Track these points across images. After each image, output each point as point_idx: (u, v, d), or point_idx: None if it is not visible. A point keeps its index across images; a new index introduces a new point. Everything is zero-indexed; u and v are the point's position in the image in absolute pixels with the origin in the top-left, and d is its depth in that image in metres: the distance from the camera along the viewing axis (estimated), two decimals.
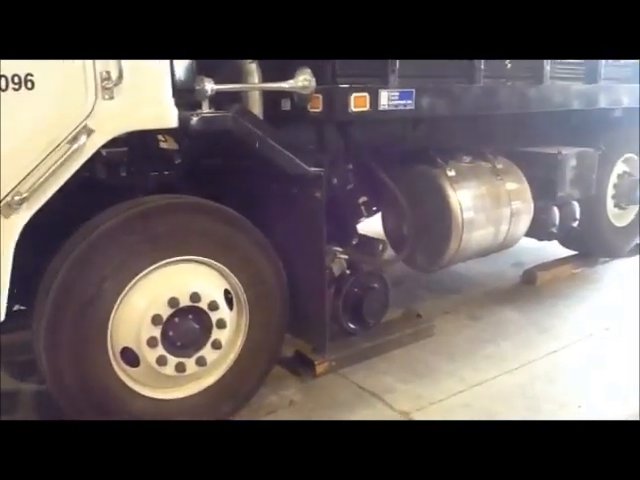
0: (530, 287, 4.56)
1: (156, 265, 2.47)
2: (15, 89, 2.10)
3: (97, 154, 2.38)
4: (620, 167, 4.81)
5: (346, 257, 3.39)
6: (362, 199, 3.64)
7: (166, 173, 2.84)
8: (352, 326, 3.50)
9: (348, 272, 3.41)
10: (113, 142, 2.40)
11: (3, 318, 2.21)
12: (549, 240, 4.52)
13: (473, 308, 4.16)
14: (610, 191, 4.78)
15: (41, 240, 2.39)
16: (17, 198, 2.13)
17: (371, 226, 4.10)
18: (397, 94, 3.08)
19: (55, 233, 2.45)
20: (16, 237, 2.18)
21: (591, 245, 4.85)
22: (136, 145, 2.66)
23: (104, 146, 2.36)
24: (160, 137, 2.85)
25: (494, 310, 4.13)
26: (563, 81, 3.98)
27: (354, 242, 3.56)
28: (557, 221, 4.27)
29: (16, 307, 2.60)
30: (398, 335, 3.58)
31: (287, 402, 3.00)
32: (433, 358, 3.45)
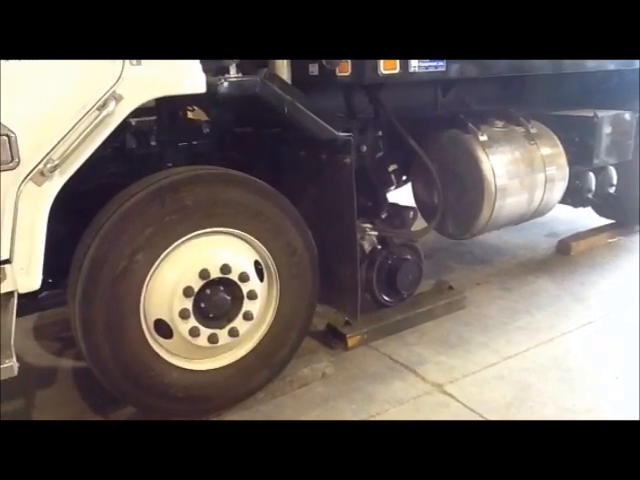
0: (564, 257, 4.46)
1: (187, 237, 2.44)
2: None
3: (127, 124, 2.34)
4: None
5: (376, 233, 3.33)
6: (392, 167, 3.57)
7: (195, 143, 2.82)
8: (386, 298, 3.46)
9: (379, 247, 3.36)
10: (142, 111, 2.36)
11: (39, 286, 2.21)
12: (584, 207, 4.42)
13: (505, 279, 4.08)
14: None
15: (73, 213, 2.39)
16: (49, 166, 2.11)
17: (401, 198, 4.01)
18: None
19: (87, 205, 2.44)
20: (49, 205, 2.16)
21: (628, 212, 4.71)
22: (165, 115, 2.63)
23: (133, 115, 2.33)
24: (188, 108, 2.81)
25: (527, 281, 4.05)
26: None
27: (384, 216, 3.49)
28: (593, 187, 4.16)
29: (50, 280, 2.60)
30: (430, 307, 3.54)
31: (320, 374, 2.98)
32: (465, 330, 3.40)
